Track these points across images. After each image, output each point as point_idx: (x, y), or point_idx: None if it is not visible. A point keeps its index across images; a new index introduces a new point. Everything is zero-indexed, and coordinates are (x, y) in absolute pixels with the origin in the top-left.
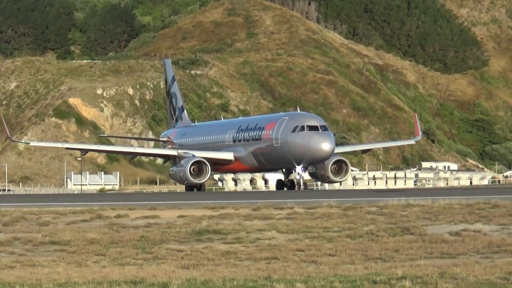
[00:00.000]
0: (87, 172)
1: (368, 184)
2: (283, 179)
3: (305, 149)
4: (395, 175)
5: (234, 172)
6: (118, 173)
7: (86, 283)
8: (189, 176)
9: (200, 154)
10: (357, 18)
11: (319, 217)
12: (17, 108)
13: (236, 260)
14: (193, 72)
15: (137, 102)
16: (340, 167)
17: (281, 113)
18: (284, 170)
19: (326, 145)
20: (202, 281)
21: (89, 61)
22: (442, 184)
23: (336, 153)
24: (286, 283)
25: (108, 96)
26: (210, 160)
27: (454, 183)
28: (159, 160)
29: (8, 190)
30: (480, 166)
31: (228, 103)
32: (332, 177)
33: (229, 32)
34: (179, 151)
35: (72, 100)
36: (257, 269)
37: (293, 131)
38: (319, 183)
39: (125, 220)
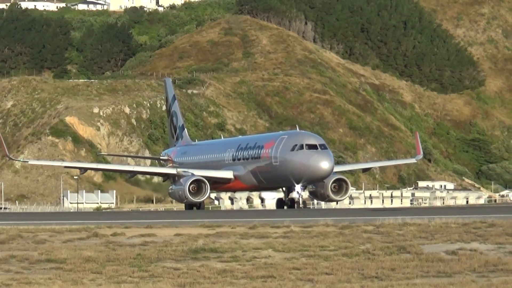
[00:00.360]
0: (84, 191)
1: (365, 203)
2: (283, 198)
3: (304, 168)
4: (391, 194)
5: (234, 191)
6: (114, 191)
7: None
8: (188, 195)
9: (199, 173)
10: (354, 38)
11: (315, 235)
12: (13, 127)
13: (232, 278)
14: (189, 91)
15: (133, 121)
16: (340, 186)
17: (281, 131)
18: (284, 189)
19: (325, 164)
20: None
21: (85, 80)
22: (438, 203)
23: (336, 172)
24: None
25: (104, 115)
26: (209, 178)
27: (451, 202)
28: (156, 179)
29: (5, 208)
30: (477, 185)
31: (224, 122)
32: (332, 196)
33: (225, 52)
34: (178, 169)
35: (68, 119)
36: None
37: (292, 149)
38: (315, 201)
39: (121, 238)
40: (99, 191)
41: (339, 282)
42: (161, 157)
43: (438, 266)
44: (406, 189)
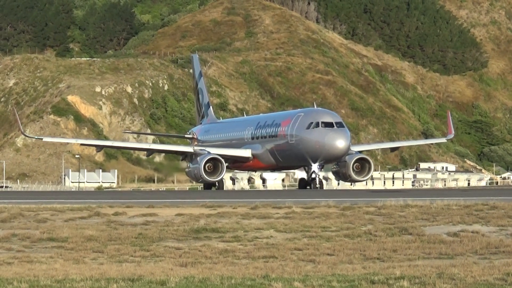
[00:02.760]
0: (85, 170)
1: (366, 184)
2: (305, 178)
3: (319, 146)
4: (393, 176)
5: (254, 170)
6: (116, 171)
7: (83, 280)
8: (204, 174)
9: (217, 151)
10: (357, 18)
11: (317, 216)
12: (15, 105)
13: (234, 258)
14: (191, 70)
15: (135, 100)
16: (363, 166)
17: (299, 109)
18: (306, 168)
19: (340, 142)
20: (200, 279)
21: (88, 59)
22: (440, 185)
23: (359, 151)
24: (284, 282)
25: (106, 94)
26: (228, 157)
27: (452, 184)
28: (157, 158)
29: (6, 187)
30: (478, 167)
31: (226, 102)
32: (354, 176)
33: (228, 31)
34: (195, 147)
35: (70, 98)
36: (255, 268)
37: (308, 127)
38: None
39: (123, 218)
40: (101, 170)
41: (341, 263)
42: (186, 136)
43: (440, 248)
44: (407, 170)
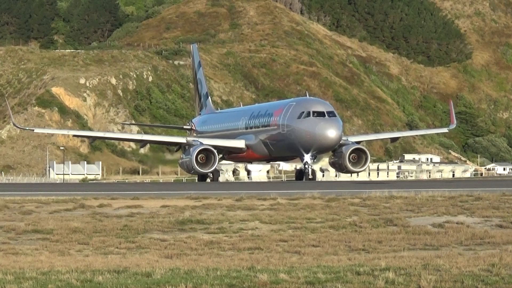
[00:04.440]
0: (70, 162)
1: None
2: (302, 168)
3: (310, 136)
4: (378, 167)
5: (248, 161)
6: (100, 163)
7: (69, 271)
8: (195, 165)
9: (210, 142)
10: (341, 9)
11: (302, 208)
12: (0, 97)
13: (219, 250)
14: (176, 62)
15: (120, 92)
16: (359, 157)
17: (291, 98)
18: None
19: (332, 132)
20: (186, 271)
21: (72, 50)
22: (424, 176)
23: (356, 142)
24: (270, 273)
25: (91, 86)
26: (222, 148)
27: (437, 176)
28: (142, 150)
29: None
30: (463, 158)
31: (211, 94)
32: (350, 167)
33: (212, 23)
34: (188, 138)
35: (55, 90)
36: (240, 259)
37: (299, 117)
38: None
39: (108, 210)
40: (85, 162)
41: (326, 254)
42: (184, 126)
43: (425, 239)
44: (392, 162)
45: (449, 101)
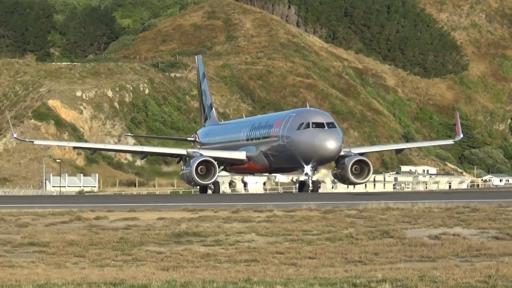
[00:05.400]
0: (66, 174)
1: (348, 187)
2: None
3: (310, 147)
4: (374, 179)
5: (250, 173)
6: (97, 175)
7: (65, 284)
8: (195, 177)
9: (210, 154)
10: (337, 22)
11: (298, 220)
12: None
13: (215, 262)
14: (172, 75)
15: (116, 104)
16: (362, 168)
17: (292, 109)
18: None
19: (331, 143)
20: (182, 283)
21: (68, 63)
22: (421, 188)
23: (358, 154)
24: (266, 285)
25: (87, 99)
26: (223, 160)
27: (433, 187)
28: (139, 162)
29: None
30: (459, 170)
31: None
32: (352, 178)
33: (209, 35)
34: (188, 150)
35: (51, 102)
36: (236, 271)
37: (299, 128)
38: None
39: (104, 222)
40: (82, 174)
41: (323, 266)
42: (188, 138)
43: (421, 251)
44: (388, 173)
45: (456, 112)
